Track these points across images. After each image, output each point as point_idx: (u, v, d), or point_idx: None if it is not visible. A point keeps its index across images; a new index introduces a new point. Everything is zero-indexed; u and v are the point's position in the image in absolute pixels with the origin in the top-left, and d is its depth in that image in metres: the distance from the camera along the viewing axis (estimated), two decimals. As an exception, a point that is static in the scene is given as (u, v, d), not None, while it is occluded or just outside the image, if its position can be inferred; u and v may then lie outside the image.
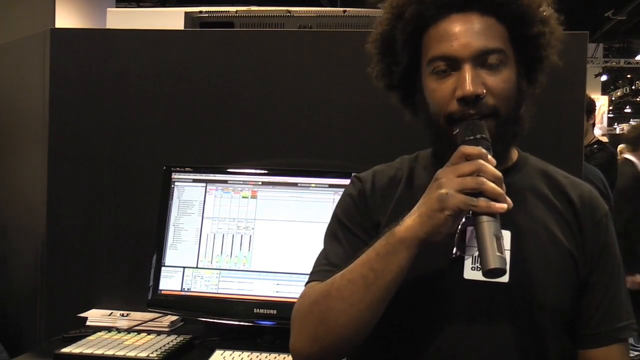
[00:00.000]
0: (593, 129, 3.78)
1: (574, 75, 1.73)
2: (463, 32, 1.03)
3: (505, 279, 1.03)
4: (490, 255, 0.91)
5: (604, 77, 14.89)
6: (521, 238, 1.07)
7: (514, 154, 1.17)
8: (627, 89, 15.75)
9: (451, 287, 1.06)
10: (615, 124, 19.04)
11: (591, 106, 3.51)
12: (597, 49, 13.66)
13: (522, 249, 1.07)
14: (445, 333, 1.06)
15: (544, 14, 1.08)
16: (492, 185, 0.92)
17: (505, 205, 0.92)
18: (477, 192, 0.93)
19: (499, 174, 0.94)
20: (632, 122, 17.07)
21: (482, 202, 0.92)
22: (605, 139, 7.93)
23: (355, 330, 1.03)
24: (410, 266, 0.99)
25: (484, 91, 1.02)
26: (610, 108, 17.36)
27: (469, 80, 1.01)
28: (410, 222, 0.97)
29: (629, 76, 16.00)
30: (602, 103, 13.35)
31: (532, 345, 1.06)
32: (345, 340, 1.04)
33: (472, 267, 1.04)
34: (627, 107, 19.66)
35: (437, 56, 1.05)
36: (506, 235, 1.05)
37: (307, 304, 1.06)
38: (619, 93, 16.48)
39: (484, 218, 0.93)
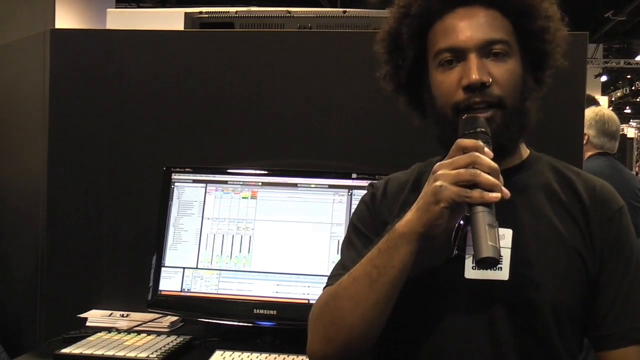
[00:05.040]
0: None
1: (574, 75, 1.73)
2: (468, 24, 1.06)
3: (505, 276, 1.04)
4: (483, 244, 0.92)
5: (604, 78, 14.91)
6: (523, 236, 1.07)
7: (525, 152, 1.17)
8: (627, 89, 15.75)
9: (451, 286, 1.06)
10: (615, 124, 19.01)
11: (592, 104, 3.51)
12: (597, 49, 13.67)
13: (524, 247, 1.06)
14: (445, 331, 1.06)
15: (549, 11, 1.10)
16: (487, 176, 0.93)
17: (499, 195, 0.93)
18: (472, 184, 0.93)
19: (495, 165, 0.95)
20: (632, 123, 17.08)
21: (475, 192, 0.93)
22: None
23: (365, 328, 1.04)
24: (412, 261, 1.00)
25: (490, 79, 1.03)
26: (610, 109, 17.35)
27: (474, 68, 1.03)
28: (409, 216, 0.99)
29: (629, 77, 16.01)
30: (602, 104, 13.34)
31: (534, 344, 1.05)
32: (356, 339, 1.04)
33: (472, 267, 1.03)
34: (627, 107, 19.65)
35: (443, 48, 1.07)
36: (508, 233, 1.05)
37: (318, 306, 1.09)
38: (619, 94, 16.48)
39: (479, 208, 0.93)
